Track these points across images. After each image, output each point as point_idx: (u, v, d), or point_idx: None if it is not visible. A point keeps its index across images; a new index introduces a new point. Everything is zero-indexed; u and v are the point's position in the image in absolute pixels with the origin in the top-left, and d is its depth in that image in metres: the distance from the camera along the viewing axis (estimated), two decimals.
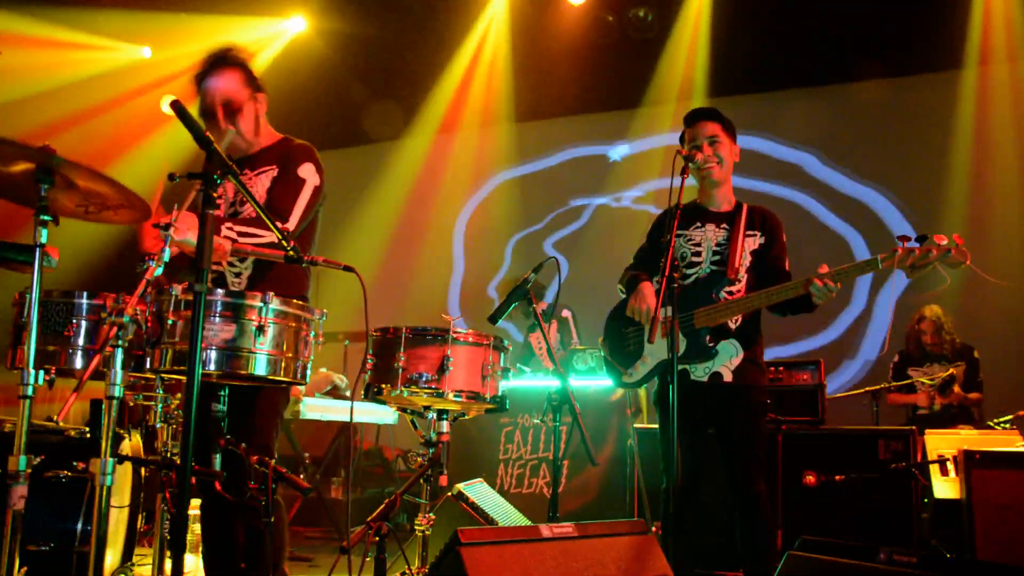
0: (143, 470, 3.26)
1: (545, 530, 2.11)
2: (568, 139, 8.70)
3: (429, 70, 8.06)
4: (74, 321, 2.59)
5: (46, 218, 2.46)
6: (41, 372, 2.43)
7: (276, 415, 2.99)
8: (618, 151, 8.47)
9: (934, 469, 4.43)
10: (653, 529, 4.60)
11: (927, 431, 4.84)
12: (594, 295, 7.67)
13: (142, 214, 2.51)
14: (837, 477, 4.40)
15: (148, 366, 2.46)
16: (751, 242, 3.50)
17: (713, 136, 3.52)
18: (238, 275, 2.97)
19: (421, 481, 3.04)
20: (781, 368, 4.85)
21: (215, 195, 2.01)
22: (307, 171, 3.01)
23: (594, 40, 7.44)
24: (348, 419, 5.92)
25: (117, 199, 2.49)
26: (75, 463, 2.92)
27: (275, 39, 7.99)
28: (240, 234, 2.73)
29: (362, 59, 7.81)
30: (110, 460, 2.10)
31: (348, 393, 6.29)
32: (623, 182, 8.39)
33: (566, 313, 6.16)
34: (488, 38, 7.89)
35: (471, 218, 9.04)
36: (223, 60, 3.01)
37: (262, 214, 2.32)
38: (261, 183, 3.01)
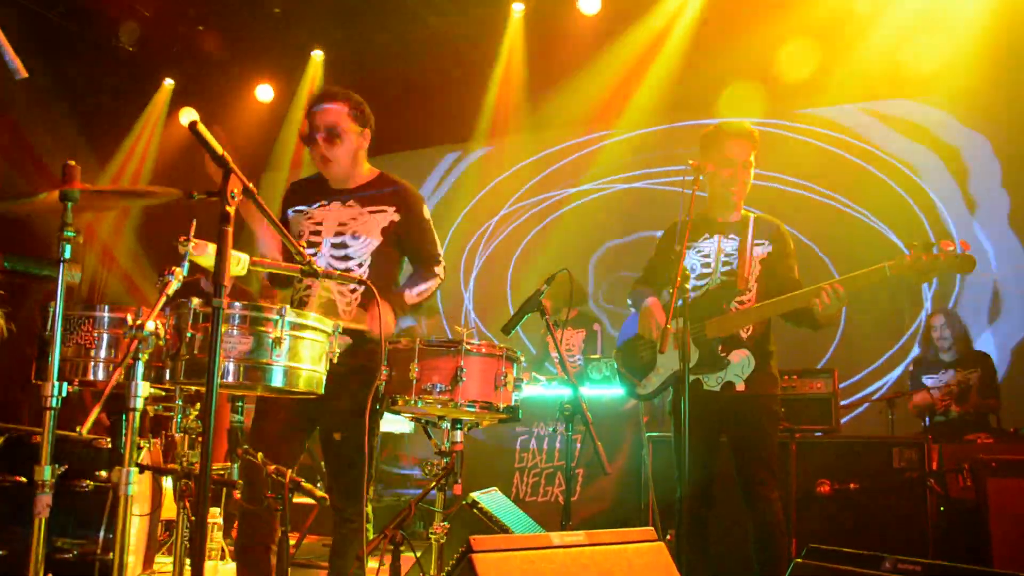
0: (163, 479, 3.32)
1: (556, 538, 2.15)
2: (581, 150, 8.73)
3: (444, 82, 8.12)
4: (96, 334, 2.66)
5: (70, 234, 2.54)
6: (64, 384, 2.50)
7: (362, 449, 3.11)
8: None
9: (951, 480, 4.43)
10: (668, 537, 4.63)
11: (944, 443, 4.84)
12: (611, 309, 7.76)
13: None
14: (851, 486, 4.40)
15: (167, 378, 2.53)
16: (760, 251, 3.52)
17: (747, 162, 3.52)
18: (349, 304, 3.18)
19: (436, 490, 3.08)
20: (795, 376, 4.85)
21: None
22: (428, 213, 3.38)
23: (608, 51, 7.48)
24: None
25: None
26: (98, 472, 2.99)
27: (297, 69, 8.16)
28: (418, 293, 3.25)
29: (375, 73, 7.88)
30: (132, 470, 2.15)
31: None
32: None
33: (597, 327, 6.21)
34: (503, 50, 7.93)
35: (487, 228, 9.08)
36: (333, 93, 3.29)
37: (286, 238, 2.40)
38: (376, 221, 3.25)
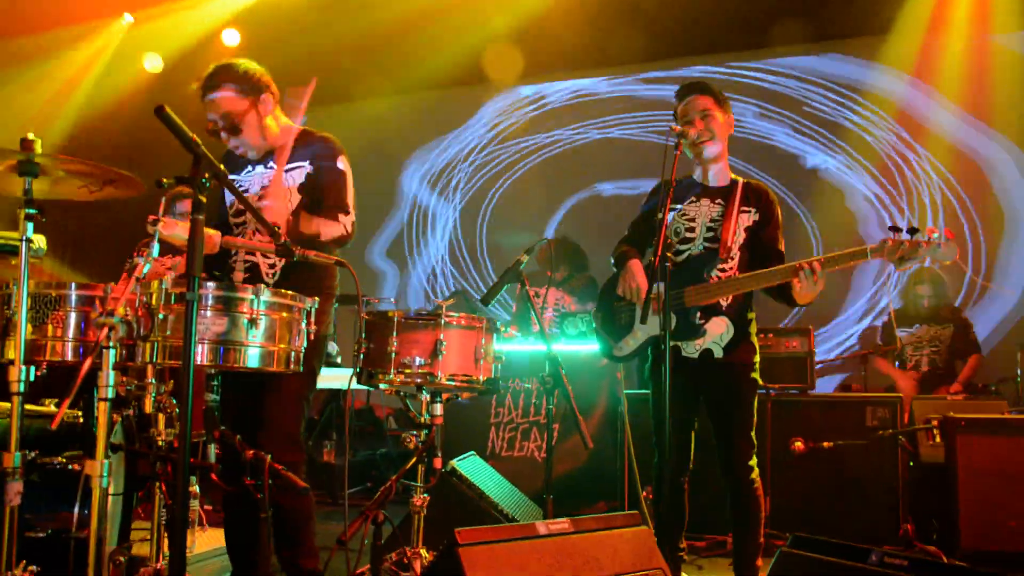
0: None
1: (542, 527, 2.14)
2: (559, 99, 8.58)
3: (409, 28, 7.84)
4: (64, 313, 2.58)
5: (32, 211, 2.44)
6: (32, 368, 2.44)
7: (296, 402, 3.06)
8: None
9: (921, 435, 4.51)
10: (644, 494, 4.68)
11: (915, 398, 4.91)
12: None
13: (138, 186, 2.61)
14: (825, 444, 4.46)
15: (139, 359, 2.46)
16: (745, 219, 3.48)
17: (705, 110, 3.48)
18: (272, 266, 3.06)
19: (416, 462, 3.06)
20: (771, 335, 4.88)
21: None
22: (344, 163, 3.18)
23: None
24: (340, 386, 5.94)
25: (108, 175, 2.51)
26: (72, 465, 2.93)
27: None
28: (317, 224, 2.98)
29: (341, 14, 7.58)
30: (106, 462, 2.10)
31: (339, 360, 6.30)
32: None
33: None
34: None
35: (454, 182, 8.93)
36: (214, 79, 3.10)
37: (256, 215, 2.30)
38: (292, 178, 3.12)
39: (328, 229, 3.02)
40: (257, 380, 2.96)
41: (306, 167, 3.13)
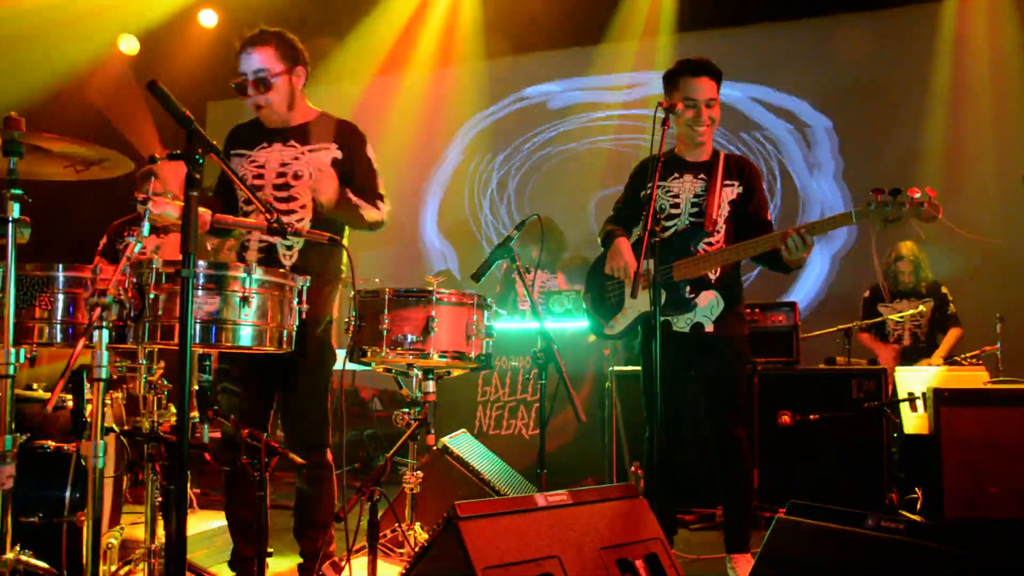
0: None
1: (540, 499, 2.15)
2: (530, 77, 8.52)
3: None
4: (51, 295, 2.55)
5: (17, 192, 2.40)
6: (22, 351, 2.40)
7: (322, 391, 3.16)
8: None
9: (904, 407, 4.56)
10: (633, 468, 4.72)
11: (898, 368, 4.97)
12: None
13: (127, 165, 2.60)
14: (812, 416, 4.50)
15: (130, 340, 2.44)
16: (729, 192, 3.49)
17: (711, 99, 3.45)
18: (289, 248, 3.06)
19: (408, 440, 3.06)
20: (757, 310, 4.91)
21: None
22: (372, 152, 3.24)
23: None
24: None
25: (97, 154, 2.48)
26: (65, 447, 2.91)
27: None
28: (362, 202, 3.09)
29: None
30: (102, 442, 2.08)
31: None
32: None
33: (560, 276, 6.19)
34: None
35: (437, 160, 8.89)
36: (258, 37, 3.14)
37: (254, 198, 2.30)
38: (318, 159, 3.12)
39: (368, 211, 3.12)
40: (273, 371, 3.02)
41: (332, 150, 3.14)
